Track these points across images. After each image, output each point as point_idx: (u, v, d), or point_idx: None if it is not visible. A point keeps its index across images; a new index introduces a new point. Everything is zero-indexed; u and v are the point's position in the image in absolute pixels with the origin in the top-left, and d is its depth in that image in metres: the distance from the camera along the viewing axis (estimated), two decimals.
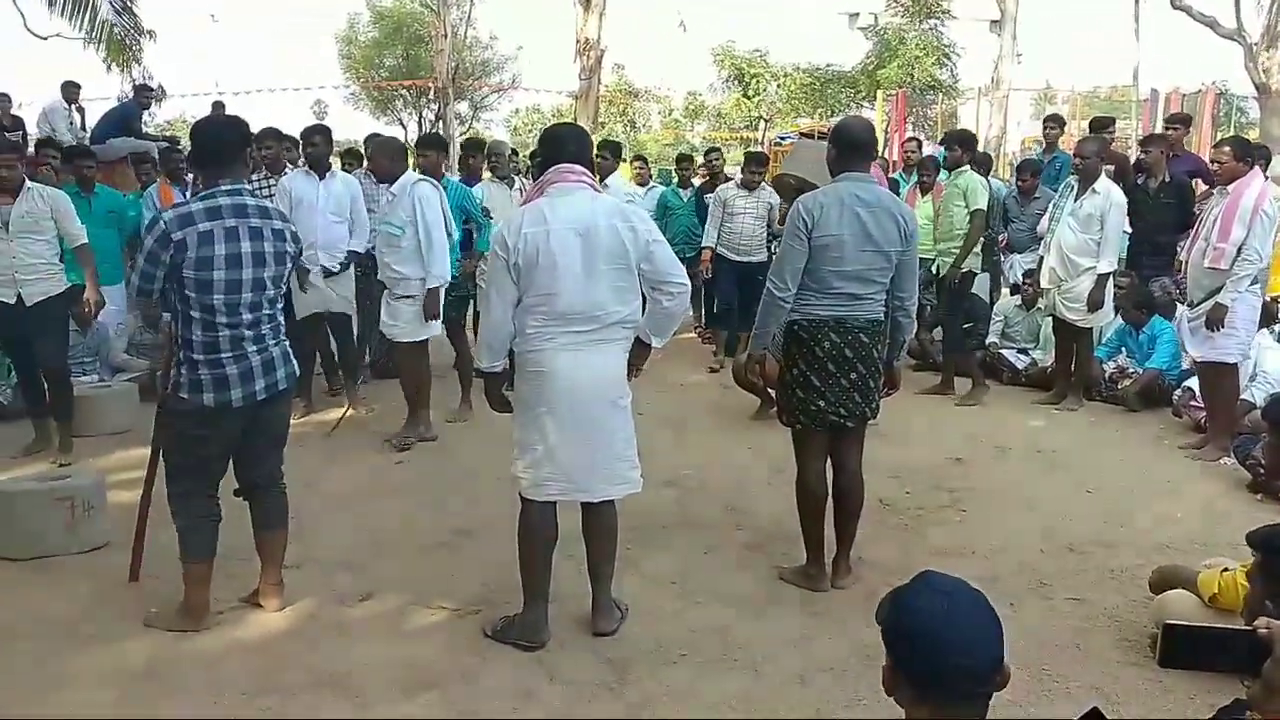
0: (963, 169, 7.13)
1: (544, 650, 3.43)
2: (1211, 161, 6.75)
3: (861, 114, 22.70)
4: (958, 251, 7.00)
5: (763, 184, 8.12)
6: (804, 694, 3.19)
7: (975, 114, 21.26)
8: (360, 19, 33.39)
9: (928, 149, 11.06)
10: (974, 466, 5.62)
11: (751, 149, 7.82)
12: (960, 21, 24.76)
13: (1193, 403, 6.26)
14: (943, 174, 7.84)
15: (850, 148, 3.87)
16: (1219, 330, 5.51)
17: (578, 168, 3.44)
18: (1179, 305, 6.50)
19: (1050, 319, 7.04)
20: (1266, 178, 5.77)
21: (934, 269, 7.28)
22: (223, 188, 3.41)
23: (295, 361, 3.66)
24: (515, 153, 9.26)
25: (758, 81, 25.05)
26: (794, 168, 6.94)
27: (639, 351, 3.57)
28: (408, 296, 5.77)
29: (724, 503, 4.96)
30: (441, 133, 25.60)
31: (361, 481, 5.28)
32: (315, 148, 6.45)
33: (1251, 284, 5.64)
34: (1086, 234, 6.39)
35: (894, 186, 8.76)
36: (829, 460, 3.98)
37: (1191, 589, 3.37)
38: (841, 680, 3.24)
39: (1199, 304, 5.64)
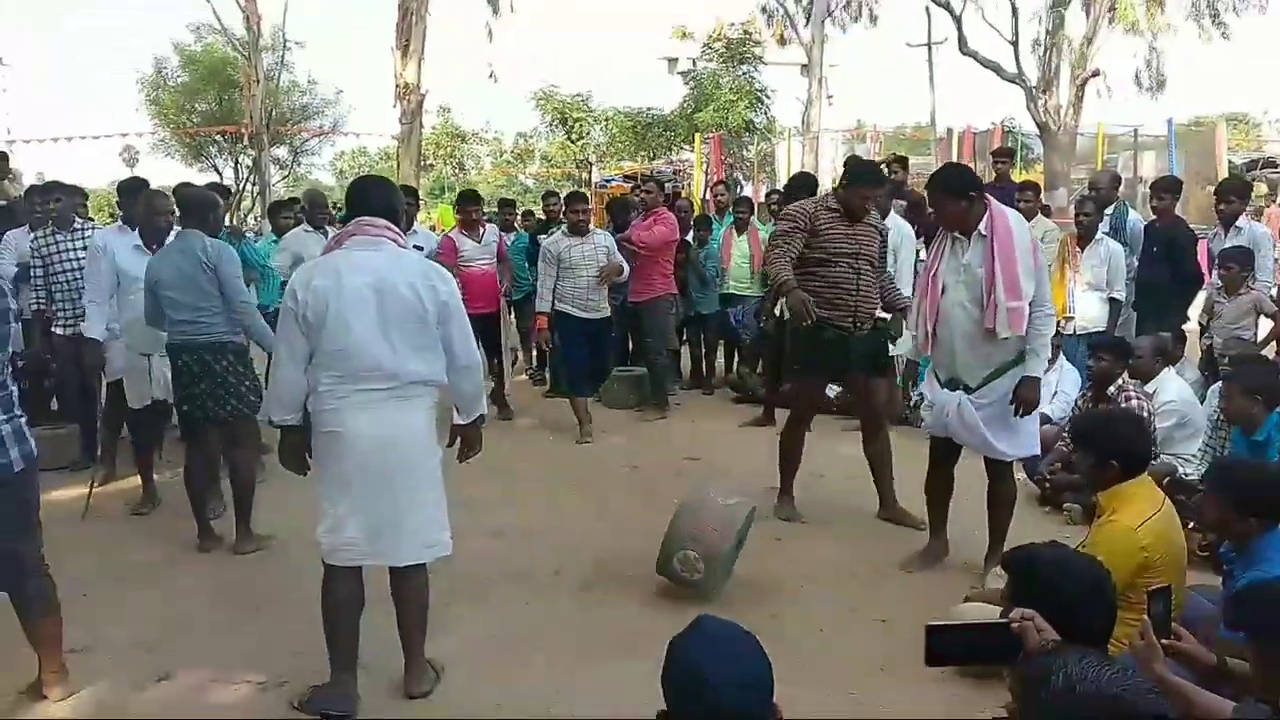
0: None
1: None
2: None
3: (680, 156, 23.40)
4: None
5: (593, 228, 7.41)
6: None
7: (788, 154, 22.19)
8: (169, 63, 32.01)
9: (747, 190, 11.51)
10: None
11: (577, 190, 7.61)
12: (772, 66, 25.97)
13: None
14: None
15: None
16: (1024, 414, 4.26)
17: (380, 221, 3.37)
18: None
19: None
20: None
21: (778, 311, 7.40)
22: None
23: (30, 440, 3.28)
24: (335, 206, 8.94)
25: (581, 125, 25.40)
26: None
27: (461, 432, 3.52)
28: None
29: (549, 549, 4.92)
30: (257, 179, 24.76)
31: (164, 550, 4.97)
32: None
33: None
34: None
35: (706, 226, 9.02)
36: None
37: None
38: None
39: (982, 383, 4.31)
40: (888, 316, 5.30)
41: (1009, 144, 16.44)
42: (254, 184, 27.92)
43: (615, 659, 3.73)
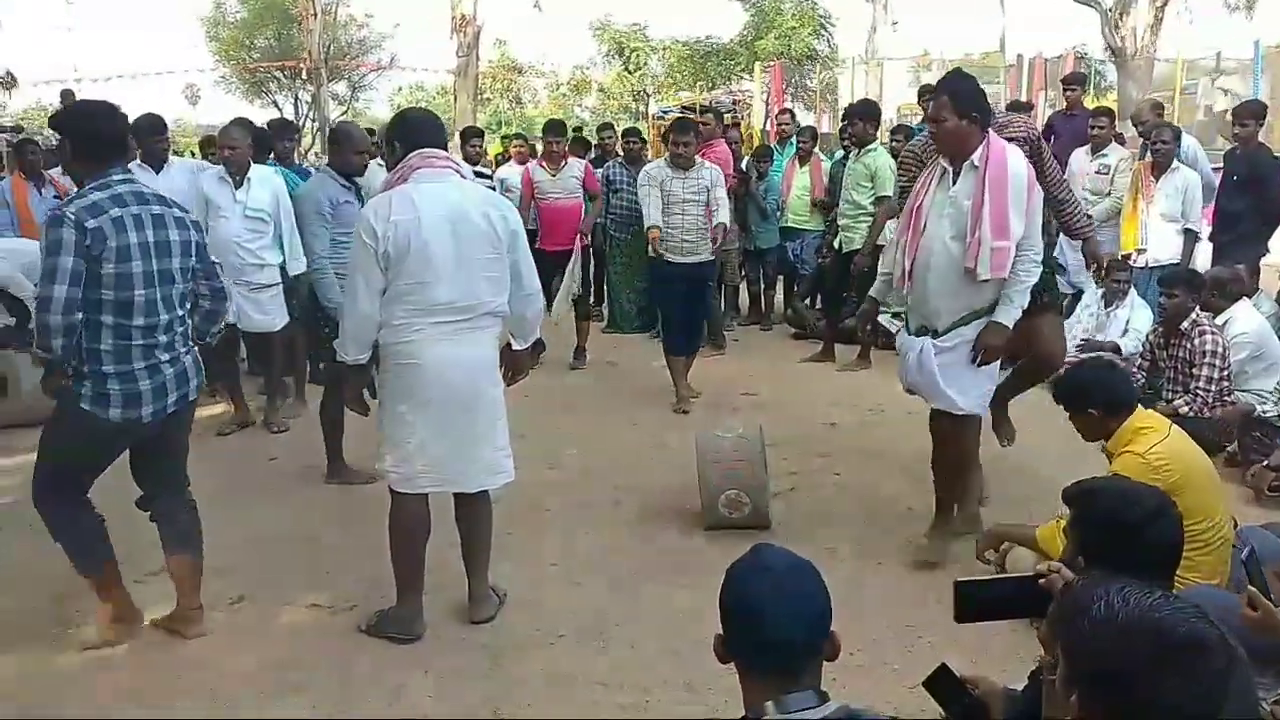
0: (871, 146, 7.00)
1: (419, 642, 3.41)
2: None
3: (739, 86, 22.96)
4: (860, 230, 6.98)
5: (700, 161, 6.29)
6: (676, 666, 3.24)
7: (851, 83, 21.66)
8: (227, 1, 32.15)
9: (808, 121, 11.29)
10: (847, 430, 5.78)
11: (683, 118, 7.26)
12: None
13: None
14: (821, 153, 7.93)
15: None
16: (965, 366, 3.83)
17: (442, 153, 3.39)
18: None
19: None
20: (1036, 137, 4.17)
21: (837, 244, 7.29)
22: (115, 176, 3.14)
23: (204, 369, 3.46)
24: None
25: (638, 55, 25.04)
26: None
27: (512, 358, 3.56)
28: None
29: (606, 482, 4.99)
30: (316, 114, 24.93)
31: (233, 480, 5.13)
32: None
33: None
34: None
35: (767, 157, 8.84)
36: None
37: (1030, 546, 3.50)
38: (710, 654, 3.30)
39: (950, 328, 3.83)
40: None
41: (1082, 70, 15.82)
42: (313, 119, 28.11)
43: (673, 585, 3.79)
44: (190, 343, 3.37)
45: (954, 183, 3.77)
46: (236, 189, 5.73)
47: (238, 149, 5.75)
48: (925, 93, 9.21)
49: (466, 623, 3.54)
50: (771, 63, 20.41)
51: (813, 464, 5.19)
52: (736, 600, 1.66)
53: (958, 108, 3.67)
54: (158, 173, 6.24)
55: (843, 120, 8.30)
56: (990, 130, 3.76)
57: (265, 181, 5.85)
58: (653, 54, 25.41)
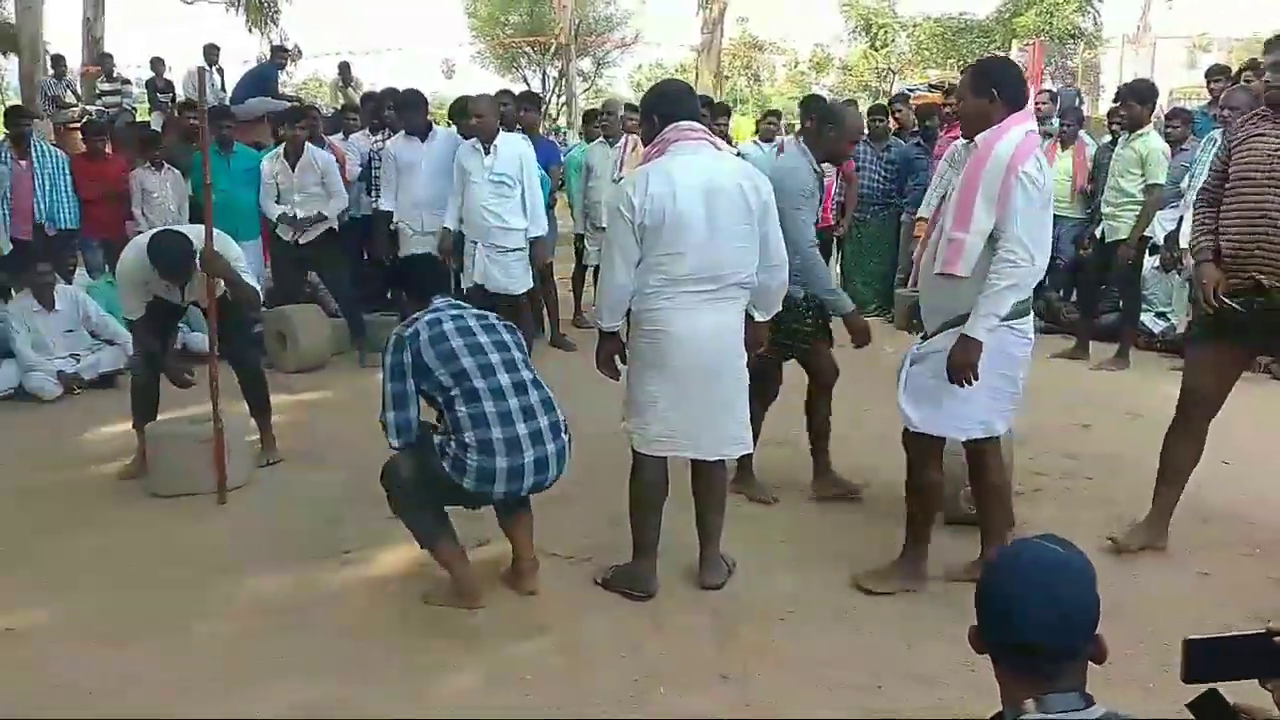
0: (1144, 131, 6.51)
1: (651, 600, 3.50)
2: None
3: None
4: (1125, 219, 6.55)
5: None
6: (909, 656, 3.17)
7: (1119, 64, 20.12)
8: None
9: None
10: (1101, 434, 5.42)
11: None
12: None
13: None
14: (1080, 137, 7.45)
15: None
16: (961, 384, 3.29)
17: (697, 125, 3.43)
18: None
19: (1189, 282, 6.66)
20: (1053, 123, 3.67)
21: (1099, 234, 6.88)
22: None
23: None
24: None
25: (885, 32, 24.28)
26: None
27: (753, 330, 3.57)
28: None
29: (837, 463, 4.90)
30: (564, 89, 25.79)
31: None
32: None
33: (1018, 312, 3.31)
34: None
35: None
36: None
37: None
38: (952, 644, 3.20)
39: (933, 334, 3.42)
40: None
41: None
42: (559, 94, 29.15)
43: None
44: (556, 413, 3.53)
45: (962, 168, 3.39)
46: (485, 155, 6.08)
47: (485, 118, 6.10)
48: (1216, 74, 8.51)
49: (696, 587, 3.60)
50: (1030, 41, 19.26)
51: (1061, 466, 4.90)
52: (992, 595, 1.59)
53: (974, 86, 3.34)
54: (423, 141, 6.72)
55: (1114, 101, 7.74)
56: (1019, 113, 3.31)
57: (512, 147, 6.17)
58: (901, 31, 24.58)
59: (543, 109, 8.79)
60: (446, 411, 3.34)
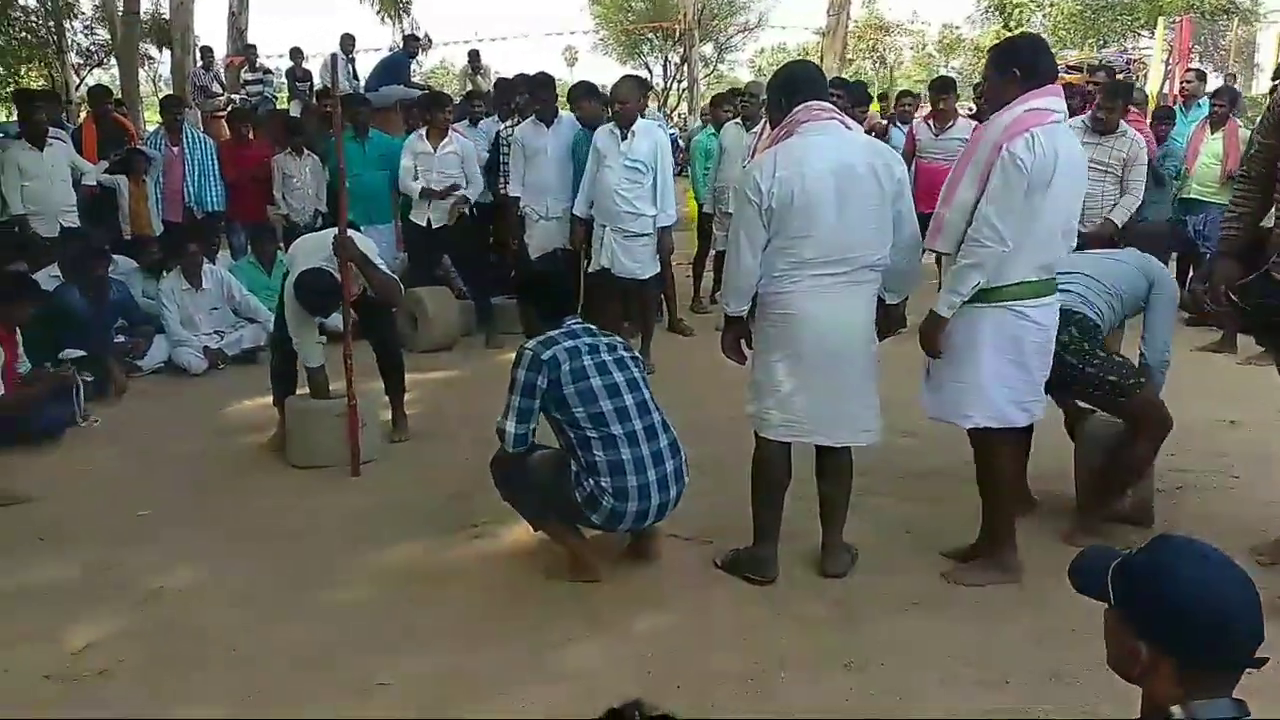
0: None
1: (771, 586, 3.48)
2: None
3: (1137, 44, 20.76)
4: None
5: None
6: (1041, 652, 3.06)
7: (1276, 43, 18.86)
8: None
9: (1215, 82, 10.04)
10: (1250, 431, 5.13)
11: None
12: None
13: None
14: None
15: None
16: (942, 361, 3.36)
17: (826, 104, 3.37)
18: None
19: None
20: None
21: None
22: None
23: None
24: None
25: (1021, 11, 23.39)
26: None
27: (885, 313, 3.48)
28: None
29: (961, 456, 4.77)
30: (686, 75, 25.71)
31: None
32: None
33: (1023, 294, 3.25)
34: None
35: (1168, 120, 7.96)
36: None
37: None
38: (1081, 643, 3.08)
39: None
40: None
41: None
42: (680, 80, 29.13)
43: (1041, 571, 3.54)
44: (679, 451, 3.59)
45: None
46: (622, 140, 6.09)
47: (627, 104, 6.10)
48: None
49: (816, 574, 3.56)
50: (1178, 17, 18.25)
51: (1206, 463, 4.66)
52: (1190, 598, 1.45)
53: (998, 63, 3.29)
54: (549, 126, 6.81)
55: (1274, 79, 7.28)
56: (1037, 90, 3.16)
57: (648, 133, 6.16)
58: (1038, 10, 23.64)
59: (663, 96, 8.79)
60: (580, 450, 3.39)
